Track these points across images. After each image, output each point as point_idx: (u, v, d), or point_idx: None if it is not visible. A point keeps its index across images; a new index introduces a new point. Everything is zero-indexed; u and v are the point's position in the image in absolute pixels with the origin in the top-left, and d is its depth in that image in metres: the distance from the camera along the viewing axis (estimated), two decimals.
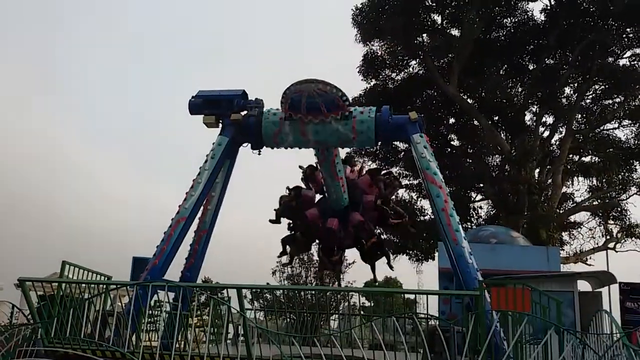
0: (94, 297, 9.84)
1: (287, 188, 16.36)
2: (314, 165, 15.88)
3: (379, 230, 16.55)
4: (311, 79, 12.72)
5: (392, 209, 15.68)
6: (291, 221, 15.93)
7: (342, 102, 12.83)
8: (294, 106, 12.99)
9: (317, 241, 16.19)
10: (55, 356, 8.95)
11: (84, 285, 10.53)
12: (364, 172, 16.71)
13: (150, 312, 11.02)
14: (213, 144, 14.05)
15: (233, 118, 14.03)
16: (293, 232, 15.81)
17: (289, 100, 12.92)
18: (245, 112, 14.28)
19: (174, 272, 13.51)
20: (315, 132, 13.28)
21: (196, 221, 14.00)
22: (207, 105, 14.30)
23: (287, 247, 15.79)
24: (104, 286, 10.17)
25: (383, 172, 16.82)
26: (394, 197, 16.51)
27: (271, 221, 15.80)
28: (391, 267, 15.72)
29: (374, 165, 33.89)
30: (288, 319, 16.96)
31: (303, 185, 16.41)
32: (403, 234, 15.89)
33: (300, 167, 16.70)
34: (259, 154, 14.72)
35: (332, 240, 15.22)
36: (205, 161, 13.75)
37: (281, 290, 22.42)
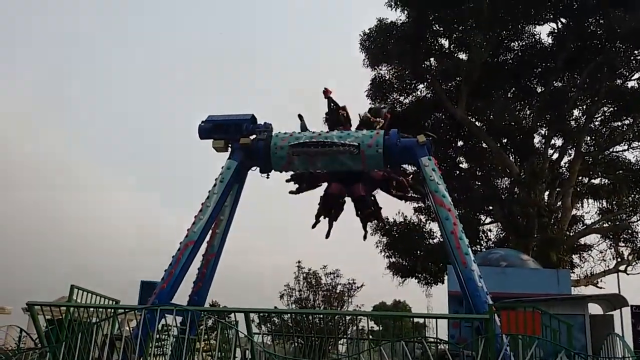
0: (102, 321, 9.83)
1: None
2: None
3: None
4: (320, 142, 13.50)
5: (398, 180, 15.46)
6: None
7: (351, 151, 13.38)
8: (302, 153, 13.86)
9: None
10: None
11: (92, 309, 10.54)
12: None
13: (157, 336, 10.97)
14: (222, 168, 14.15)
15: (242, 142, 14.18)
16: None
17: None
18: (254, 136, 14.42)
19: (182, 296, 13.53)
20: (324, 164, 13.78)
21: (204, 245, 14.04)
22: (217, 129, 14.49)
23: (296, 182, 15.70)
24: (112, 310, 10.16)
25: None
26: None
27: (291, 191, 15.67)
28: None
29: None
30: (296, 343, 16.83)
31: None
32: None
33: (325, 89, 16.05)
34: (267, 178, 14.84)
35: (331, 200, 15.15)
36: (214, 185, 13.85)
37: (289, 314, 22.29)
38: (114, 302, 11.45)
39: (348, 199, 15.37)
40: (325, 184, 15.33)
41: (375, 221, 16.09)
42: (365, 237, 16.13)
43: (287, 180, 15.44)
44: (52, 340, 9.69)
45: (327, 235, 15.34)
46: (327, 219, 15.34)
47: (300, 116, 15.34)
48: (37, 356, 9.42)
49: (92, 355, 9.67)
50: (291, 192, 15.50)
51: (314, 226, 15.27)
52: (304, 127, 15.07)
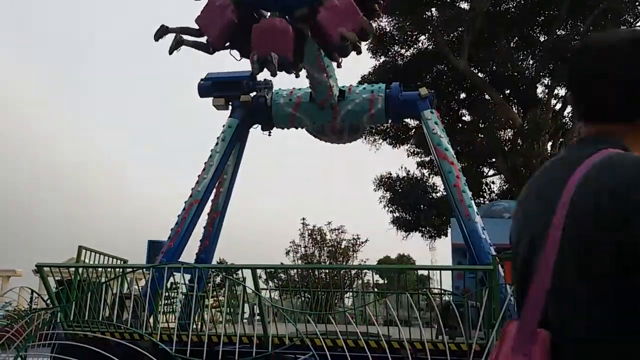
0: (111, 280, 9.98)
1: None
2: None
3: None
4: None
5: None
6: None
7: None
8: None
9: None
10: (75, 339, 9.12)
11: (100, 269, 10.69)
12: None
13: (166, 294, 11.15)
14: (223, 126, 14.11)
15: (242, 100, 14.08)
16: None
17: None
18: (254, 93, 14.32)
19: (190, 254, 13.71)
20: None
21: (209, 203, 14.13)
22: (216, 87, 14.35)
23: None
24: (121, 270, 10.30)
25: None
26: None
27: None
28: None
29: (385, 144, 33.93)
30: (303, 298, 17.12)
31: None
32: None
33: None
34: (269, 135, 14.80)
35: None
36: (216, 144, 13.83)
37: (295, 270, 22.60)
38: (122, 262, 11.60)
39: None
40: None
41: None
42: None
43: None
44: (62, 300, 9.86)
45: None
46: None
47: None
48: (49, 316, 9.60)
49: (102, 314, 9.85)
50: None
51: None
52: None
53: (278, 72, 9.68)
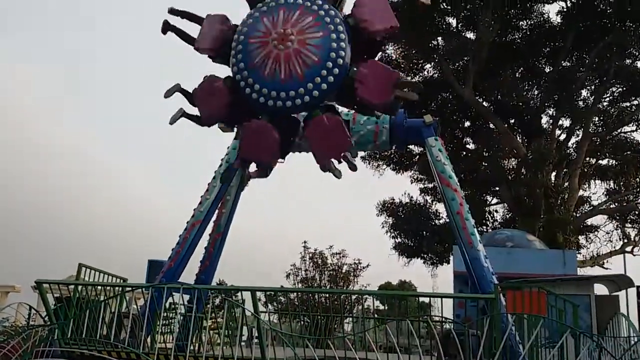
0: (110, 298, 9.93)
1: None
2: None
3: None
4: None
5: None
6: None
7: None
8: None
9: None
10: (72, 357, 9.04)
11: (99, 287, 10.63)
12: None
13: (165, 314, 11.08)
14: (228, 148, 14.13)
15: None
16: None
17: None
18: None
19: (189, 275, 13.63)
20: None
21: (211, 224, 14.09)
22: None
23: None
24: (119, 288, 10.25)
25: None
26: None
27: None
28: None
29: (388, 170, 33.96)
30: (302, 322, 16.99)
31: None
32: None
33: None
34: None
35: None
36: (220, 165, 13.84)
37: (295, 293, 22.46)
38: (122, 281, 11.55)
39: None
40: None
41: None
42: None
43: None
44: (60, 317, 9.80)
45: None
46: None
47: None
48: (46, 333, 9.54)
49: (99, 333, 9.78)
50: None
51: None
52: None
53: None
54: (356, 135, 13.43)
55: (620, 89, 30.57)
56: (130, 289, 10.15)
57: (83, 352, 9.14)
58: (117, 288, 10.35)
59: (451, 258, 20.34)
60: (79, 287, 10.22)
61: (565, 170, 30.33)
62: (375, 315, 18.44)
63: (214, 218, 14.08)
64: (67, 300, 9.96)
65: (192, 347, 9.56)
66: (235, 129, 14.31)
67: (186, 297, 10.95)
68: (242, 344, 11.02)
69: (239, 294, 10.26)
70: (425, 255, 32.26)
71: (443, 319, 11.06)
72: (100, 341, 9.54)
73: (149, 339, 10.02)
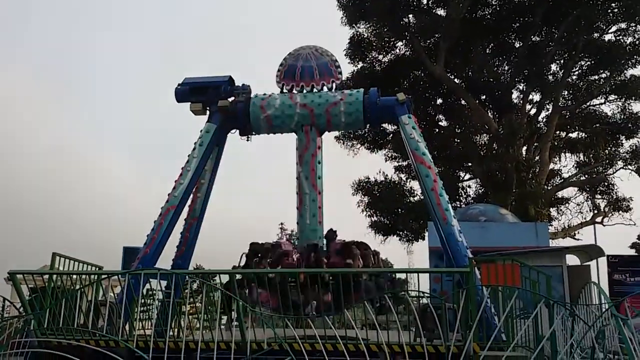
0: (85, 287, 9.84)
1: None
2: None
3: None
4: (309, 45, 13.59)
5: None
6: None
7: (335, 67, 13.47)
8: (289, 72, 13.92)
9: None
10: (49, 347, 8.96)
11: (75, 276, 10.51)
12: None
13: (143, 300, 11.02)
14: (201, 131, 14.01)
15: (220, 105, 14.00)
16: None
17: (286, 66, 13.96)
18: (232, 98, 14.25)
19: (166, 260, 13.56)
20: (304, 96, 13.70)
21: (186, 209, 14.00)
22: (194, 92, 14.25)
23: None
24: (95, 276, 10.15)
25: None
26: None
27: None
28: None
29: (363, 149, 34.05)
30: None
31: None
32: None
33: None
34: (248, 140, 14.74)
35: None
36: (194, 149, 13.74)
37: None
38: (97, 269, 11.44)
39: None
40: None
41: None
42: None
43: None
44: (36, 307, 9.68)
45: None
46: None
47: None
48: (22, 324, 9.43)
49: (77, 322, 9.69)
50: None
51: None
52: None
53: None
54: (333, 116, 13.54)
55: (589, 63, 30.96)
56: (105, 276, 10.04)
57: (61, 342, 9.06)
58: (92, 276, 10.25)
59: (426, 234, 20.57)
60: (54, 277, 10.09)
61: (536, 144, 30.74)
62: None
63: (189, 202, 14.00)
64: (42, 290, 9.84)
65: (171, 333, 9.54)
66: (208, 112, 14.25)
67: (163, 283, 10.91)
68: (222, 327, 11.04)
69: (216, 277, 10.24)
70: (401, 233, 32.54)
71: (420, 294, 11.20)
72: (77, 330, 9.47)
73: (127, 326, 9.97)
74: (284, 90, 14.07)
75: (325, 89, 13.91)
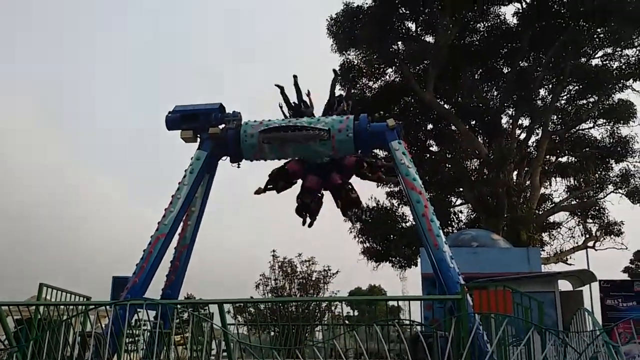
0: (71, 318, 9.67)
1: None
2: None
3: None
4: (290, 126, 13.34)
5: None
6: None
7: (321, 135, 13.29)
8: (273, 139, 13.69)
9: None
10: None
11: (62, 307, 10.34)
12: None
13: (130, 331, 10.84)
14: (191, 158, 13.96)
15: (211, 132, 13.96)
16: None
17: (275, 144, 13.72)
18: (223, 125, 14.24)
19: (156, 290, 13.37)
20: (295, 153, 13.76)
21: (176, 237, 13.87)
22: (185, 120, 14.23)
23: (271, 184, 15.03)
24: (82, 307, 10.00)
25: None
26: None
27: (256, 192, 15.05)
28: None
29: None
30: (273, 332, 16.83)
31: None
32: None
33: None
34: (238, 167, 14.68)
35: (309, 195, 14.97)
36: (184, 176, 13.65)
37: (264, 304, 22.27)
38: (85, 300, 11.27)
39: (326, 194, 15.21)
40: (299, 181, 15.10)
41: (356, 209, 15.84)
42: (351, 219, 16.09)
43: (257, 192, 14.81)
44: (21, 340, 9.50)
45: (310, 225, 15.18)
46: (307, 214, 15.14)
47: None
48: (6, 357, 9.23)
49: (64, 354, 9.51)
50: (256, 192, 14.86)
51: (303, 223, 15.08)
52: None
53: None
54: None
55: (577, 87, 31.34)
56: (93, 307, 9.89)
57: None
58: (79, 307, 10.09)
59: (419, 260, 20.47)
60: (40, 308, 9.93)
61: (526, 168, 30.90)
62: (346, 322, 18.43)
63: (179, 231, 13.87)
64: (29, 322, 9.67)
65: None
66: (199, 139, 14.22)
67: (152, 313, 10.74)
68: (212, 358, 10.88)
69: (207, 307, 10.11)
70: (393, 259, 32.40)
71: (411, 322, 11.09)
72: None
73: (114, 358, 9.79)
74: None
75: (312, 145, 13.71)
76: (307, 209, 15.03)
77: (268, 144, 13.67)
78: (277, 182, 14.87)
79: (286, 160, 14.79)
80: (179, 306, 11.04)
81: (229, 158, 14.50)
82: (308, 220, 15.03)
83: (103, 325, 10.61)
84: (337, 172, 14.71)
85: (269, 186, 14.84)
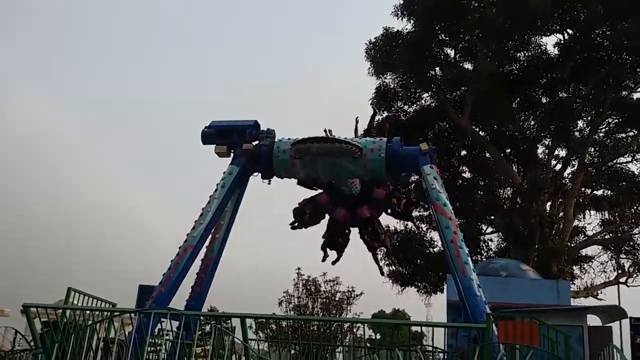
0: (96, 323, 9.81)
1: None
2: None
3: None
4: (323, 137, 13.36)
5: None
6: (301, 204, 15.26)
7: (353, 151, 13.25)
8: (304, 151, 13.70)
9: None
10: None
11: (87, 312, 10.51)
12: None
13: (152, 340, 10.93)
14: (224, 173, 14.14)
15: (245, 148, 14.16)
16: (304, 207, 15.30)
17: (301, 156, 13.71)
18: (257, 142, 14.41)
19: (181, 300, 13.48)
20: (325, 170, 13.72)
21: (204, 250, 14.00)
22: (220, 135, 14.48)
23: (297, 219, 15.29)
24: (107, 313, 10.13)
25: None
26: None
27: (291, 225, 15.24)
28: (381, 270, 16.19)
29: None
30: (293, 350, 16.73)
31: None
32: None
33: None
34: (269, 184, 14.82)
35: (337, 229, 14.99)
36: (215, 190, 13.83)
37: (286, 321, 22.18)
38: (111, 306, 11.42)
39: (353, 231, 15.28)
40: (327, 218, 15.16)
41: (383, 247, 16.10)
42: (381, 272, 16.54)
43: (292, 225, 15.04)
44: (46, 342, 9.67)
45: (335, 262, 15.25)
46: (334, 250, 15.22)
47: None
48: (31, 357, 9.39)
49: (87, 358, 9.63)
50: (292, 227, 15.04)
51: (323, 260, 15.17)
52: None
53: None
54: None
55: (616, 121, 30.78)
56: (117, 313, 10.02)
57: None
58: (104, 313, 10.23)
59: (445, 287, 20.23)
60: (67, 312, 10.10)
61: (560, 200, 30.37)
62: (368, 344, 18.26)
63: (206, 243, 14.01)
64: (55, 324, 9.84)
65: None
66: (232, 154, 14.42)
67: (175, 323, 10.83)
68: None
69: (229, 321, 10.15)
70: (419, 284, 32.09)
71: (434, 349, 10.94)
72: None
73: None
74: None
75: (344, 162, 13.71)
76: (334, 244, 15.03)
77: (299, 160, 13.72)
78: (303, 216, 14.87)
79: (315, 193, 14.87)
80: (202, 318, 11.12)
81: (260, 174, 14.65)
82: (334, 255, 15.10)
83: (127, 333, 10.75)
84: (366, 205, 14.67)
85: (295, 223, 14.93)
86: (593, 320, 14.96)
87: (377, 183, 14.69)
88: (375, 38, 31.45)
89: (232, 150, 14.52)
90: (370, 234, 14.84)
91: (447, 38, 31.11)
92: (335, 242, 15.03)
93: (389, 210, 15.16)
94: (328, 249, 15.11)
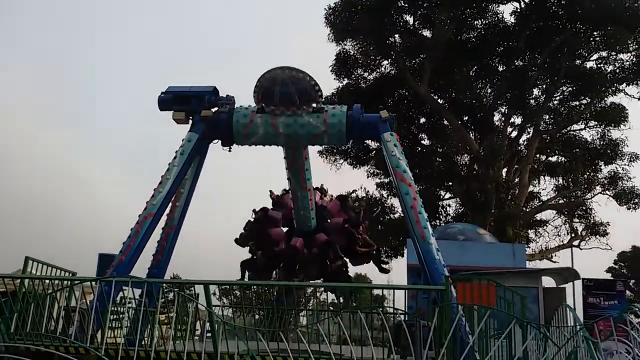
0: (55, 292, 9.67)
1: (254, 210, 16.51)
2: (285, 190, 16.14)
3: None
4: (285, 66, 12.85)
5: (359, 234, 15.82)
6: (253, 242, 16.04)
7: (314, 92, 12.98)
8: (267, 95, 13.10)
9: (279, 265, 16.29)
10: (17, 352, 8.78)
11: (47, 281, 10.33)
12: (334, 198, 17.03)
13: (115, 308, 10.85)
14: (182, 140, 13.90)
15: (203, 114, 13.89)
16: (253, 256, 15.83)
17: (263, 88, 13.04)
18: (216, 108, 14.18)
19: (142, 269, 13.37)
20: (286, 125, 13.33)
21: (164, 218, 13.86)
22: (177, 101, 14.13)
23: (246, 272, 15.88)
24: (67, 282, 9.99)
25: (354, 198, 17.18)
26: (362, 225, 16.74)
27: (236, 241, 15.93)
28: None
29: (345, 164, 34.15)
30: (257, 316, 16.91)
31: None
32: (366, 261, 16.52)
33: (270, 192, 16.97)
34: (229, 151, 14.62)
35: (295, 259, 15.28)
36: (174, 157, 13.59)
37: (250, 287, 22.30)
38: (70, 275, 11.26)
39: None
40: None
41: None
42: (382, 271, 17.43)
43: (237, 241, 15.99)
44: (5, 312, 9.50)
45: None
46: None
47: None
48: None
49: (47, 327, 9.51)
50: (236, 242, 16.15)
51: (242, 277, 16.03)
52: None
53: None
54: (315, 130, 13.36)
55: (570, 89, 31.51)
56: (78, 282, 9.89)
57: (29, 347, 8.88)
58: (64, 282, 10.08)
59: (405, 251, 20.60)
60: (25, 281, 9.92)
61: (516, 166, 31.09)
62: (331, 308, 18.54)
63: (167, 211, 13.86)
64: (13, 294, 9.65)
65: (143, 342, 9.40)
66: (190, 121, 14.16)
67: (137, 291, 10.75)
68: (196, 338, 10.93)
69: (192, 288, 10.13)
70: (380, 249, 32.57)
71: (395, 311, 11.19)
72: (47, 336, 9.29)
73: (98, 334, 9.81)
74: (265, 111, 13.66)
75: (304, 115, 13.51)
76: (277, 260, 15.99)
77: (260, 118, 13.38)
78: (245, 244, 16.00)
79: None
80: (164, 285, 11.08)
81: (220, 141, 14.47)
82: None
83: (88, 301, 10.63)
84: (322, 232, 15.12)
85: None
86: (548, 281, 15.48)
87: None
88: (334, 3, 31.23)
89: (191, 117, 14.25)
90: (332, 258, 15.26)
91: (406, 5, 31.11)
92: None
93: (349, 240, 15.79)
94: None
